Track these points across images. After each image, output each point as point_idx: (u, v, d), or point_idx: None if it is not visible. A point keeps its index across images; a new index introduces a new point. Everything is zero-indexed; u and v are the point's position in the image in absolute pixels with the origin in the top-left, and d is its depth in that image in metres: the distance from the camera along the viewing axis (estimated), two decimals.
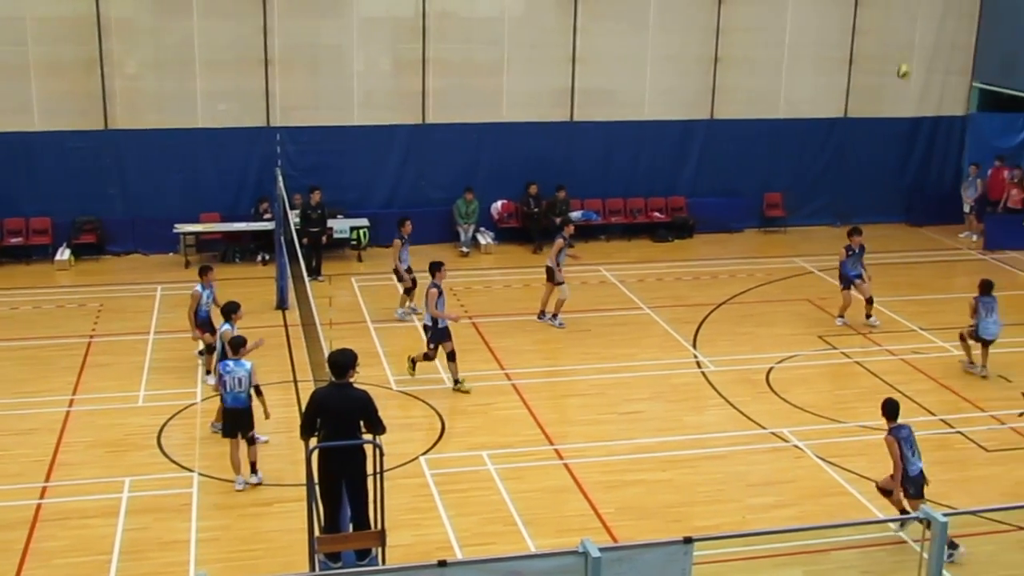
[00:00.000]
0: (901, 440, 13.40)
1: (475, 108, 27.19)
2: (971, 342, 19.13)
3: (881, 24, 28.75)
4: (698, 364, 19.60)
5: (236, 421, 14.84)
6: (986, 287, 19.09)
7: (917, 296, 22.82)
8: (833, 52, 28.66)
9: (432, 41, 26.63)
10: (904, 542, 13.60)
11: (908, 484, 13.45)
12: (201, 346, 18.51)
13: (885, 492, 13.88)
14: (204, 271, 18.65)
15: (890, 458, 13.51)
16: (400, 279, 21.79)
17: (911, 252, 26.41)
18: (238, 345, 15.04)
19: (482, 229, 27.12)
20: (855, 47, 28.64)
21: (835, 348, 20.31)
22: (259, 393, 14.93)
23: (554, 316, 21.48)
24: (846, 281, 21.38)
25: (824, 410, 17.61)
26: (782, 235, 28.57)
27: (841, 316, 21.47)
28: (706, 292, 23.63)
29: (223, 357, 15.47)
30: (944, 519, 9.33)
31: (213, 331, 17.64)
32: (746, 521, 14.23)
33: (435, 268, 18.55)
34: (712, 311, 22.35)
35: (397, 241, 21.68)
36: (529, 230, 27.00)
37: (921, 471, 13.55)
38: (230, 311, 16.49)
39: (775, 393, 18.23)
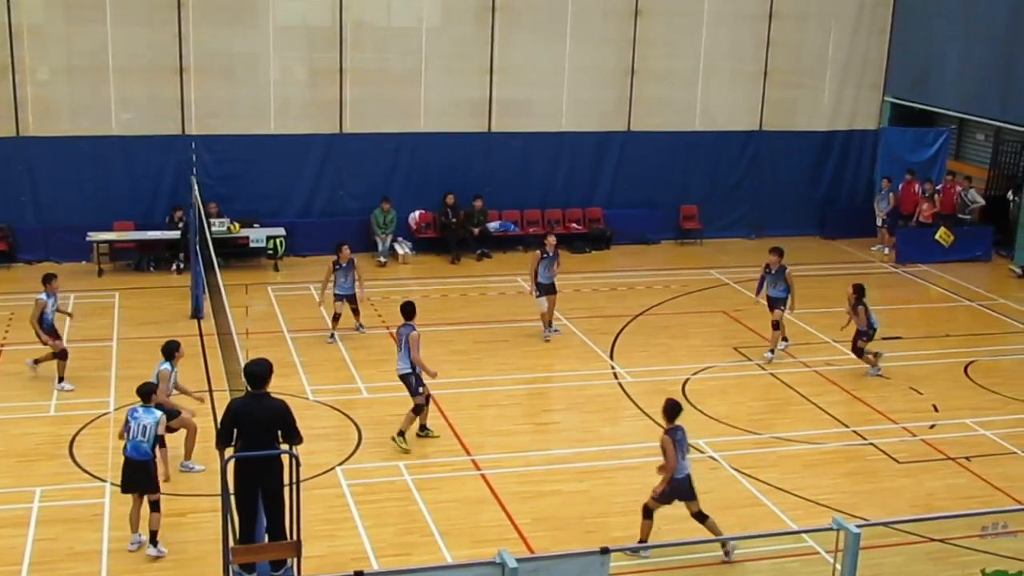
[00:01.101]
0: (676, 442, 13.60)
1: (392, 118, 27.16)
2: (868, 346, 19.91)
3: (795, 38, 29.25)
4: (615, 375, 19.72)
5: (135, 475, 13.47)
6: (863, 290, 19.90)
7: (830, 308, 23.10)
8: (748, 65, 29.10)
9: (349, 50, 26.54)
10: (817, 553, 13.80)
11: (671, 486, 13.65)
12: (34, 357, 18.68)
13: (653, 505, 13.83)
14: (48, 279, 18.58)
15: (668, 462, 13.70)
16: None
17: (824, 264, 26.84)
18: (148, 392, 13.88)
19: (400, 239, 27.07)
20: (770, 60, 29.08)
21: (749, 360, 20.56)
22: (162, 445, 13.81)
23: (549, 324, 21.45)
24: (769, 301, 20.83)
25: (739, 421, 17.82)
26: (698, 247, 28.87)
27: (780, 343, 20.80)
28: (623, 303, 23.80)
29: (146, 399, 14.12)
30: (857, 530, 9.49)
31: (59, 337, 18.53)
32: (662, 532, 14.32)
33: (411, 310, 17.00)
34: (629, 322, 22.51)
35: (331, 266, 21.19)
36: (446, 240, 27.00)
37: (688, 476, 13.71)
38: (172, 350, 15.53)
39: (691, 404, 18.36)
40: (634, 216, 28.80)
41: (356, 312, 21.37)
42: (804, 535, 13.91)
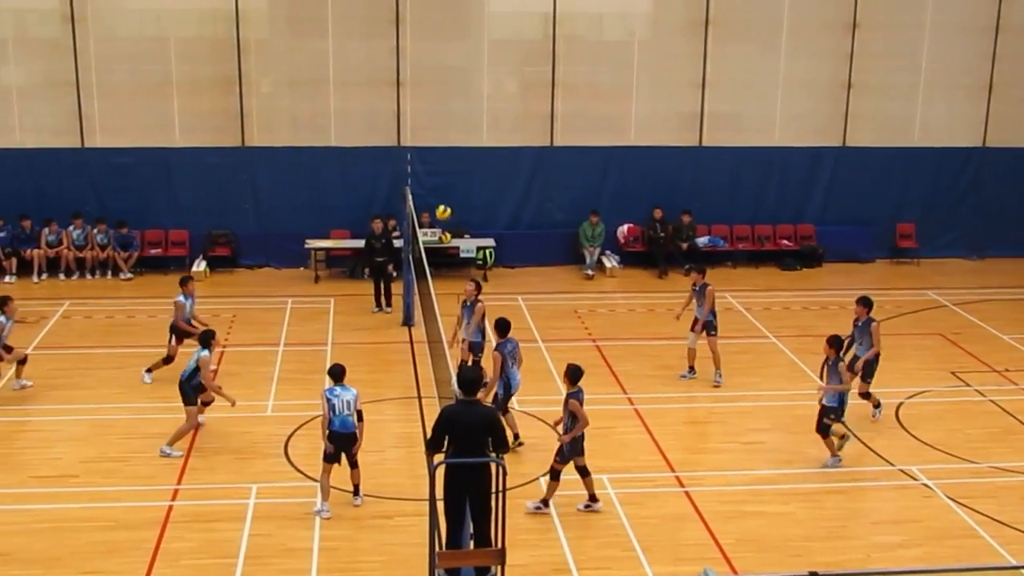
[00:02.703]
0: (580, 402, 14.65)
1: (602, 131, 27.29)
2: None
3: (1022, 51, 28.00)
4: None
5: (344, 445, 14.63)
6: (840, 343, 16.55)
7: None
8: (971, 79, 28.04)
9: (560, 64, 26.78)
10: None
11: (572, 444, 14.67)
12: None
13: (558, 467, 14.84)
14: (185, 281, 19.43)
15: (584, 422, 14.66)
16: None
17: None
18: (340, 373, 14.88)
19: (607, 252, 27.11)
20: (995, 74, 27.96)
21: (968, 385, 19.78)
22: (360, 419, 14.72)
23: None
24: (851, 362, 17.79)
25: (955, 449, 17.14)
26: (914, 267, 27.98)
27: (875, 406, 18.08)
28: (834, 323, 23.08)
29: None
30: None
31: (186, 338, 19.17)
32: (871, 559, 13.92)
33: (506, 328, 16.67)
34: None
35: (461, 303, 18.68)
36: (654, 254, 26.90)
37: (582, 434, 14.75)
38: (208, 338, 16.71)
39: (904, 429, 17.81)
40: (847, 234, 28.12)
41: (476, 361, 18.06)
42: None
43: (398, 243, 23.46)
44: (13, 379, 18.86)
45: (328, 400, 14.61)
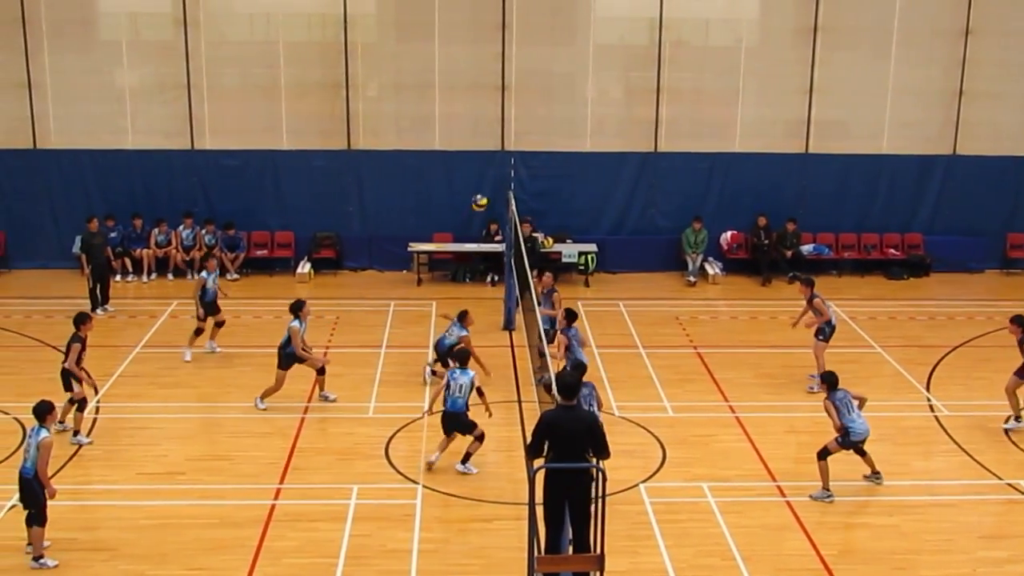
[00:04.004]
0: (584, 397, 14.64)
1: (707, 137, 27.13)
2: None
3: None
4: (931, 407, 18.89)
5: (453, 423, 15.96)
6: (834, 380, 15.95)
7: None
8: None
9: (666, 69, 26.67)
10: None
11: None
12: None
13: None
14: (298, 306, 18.23)
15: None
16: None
17: None
18: (465, 358, 16.42)
19: (710, 259, 26.91)
20: None
21: None
22: (481, 394, 16.09)
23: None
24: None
25: None
26: None
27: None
28: (941, 333, 22.78)
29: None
30: None
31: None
32: (977, 574, 13.62)
33: (573, 316, 18.06)
34: (947, 354, 21.52)
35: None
36: (757, 262, 26.64)
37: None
38: (298, 308, 18.12)
39: (1013, 443, 17.39)
40: (956, 243, 27.56)
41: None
42: None
43: (500, 247, 23.53)
44: (207, 340, 20.73)
45: (447, 382, 16.02)
